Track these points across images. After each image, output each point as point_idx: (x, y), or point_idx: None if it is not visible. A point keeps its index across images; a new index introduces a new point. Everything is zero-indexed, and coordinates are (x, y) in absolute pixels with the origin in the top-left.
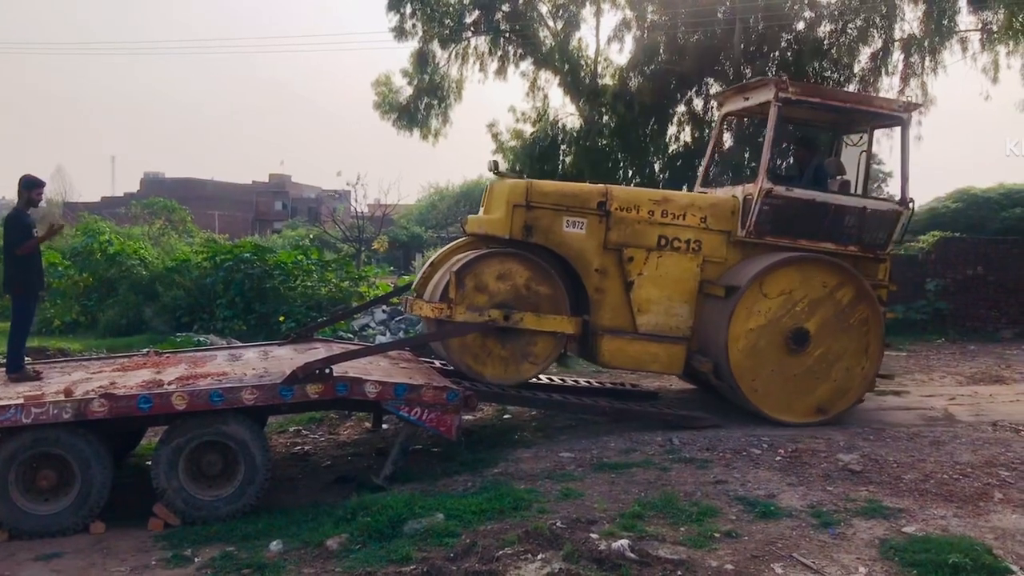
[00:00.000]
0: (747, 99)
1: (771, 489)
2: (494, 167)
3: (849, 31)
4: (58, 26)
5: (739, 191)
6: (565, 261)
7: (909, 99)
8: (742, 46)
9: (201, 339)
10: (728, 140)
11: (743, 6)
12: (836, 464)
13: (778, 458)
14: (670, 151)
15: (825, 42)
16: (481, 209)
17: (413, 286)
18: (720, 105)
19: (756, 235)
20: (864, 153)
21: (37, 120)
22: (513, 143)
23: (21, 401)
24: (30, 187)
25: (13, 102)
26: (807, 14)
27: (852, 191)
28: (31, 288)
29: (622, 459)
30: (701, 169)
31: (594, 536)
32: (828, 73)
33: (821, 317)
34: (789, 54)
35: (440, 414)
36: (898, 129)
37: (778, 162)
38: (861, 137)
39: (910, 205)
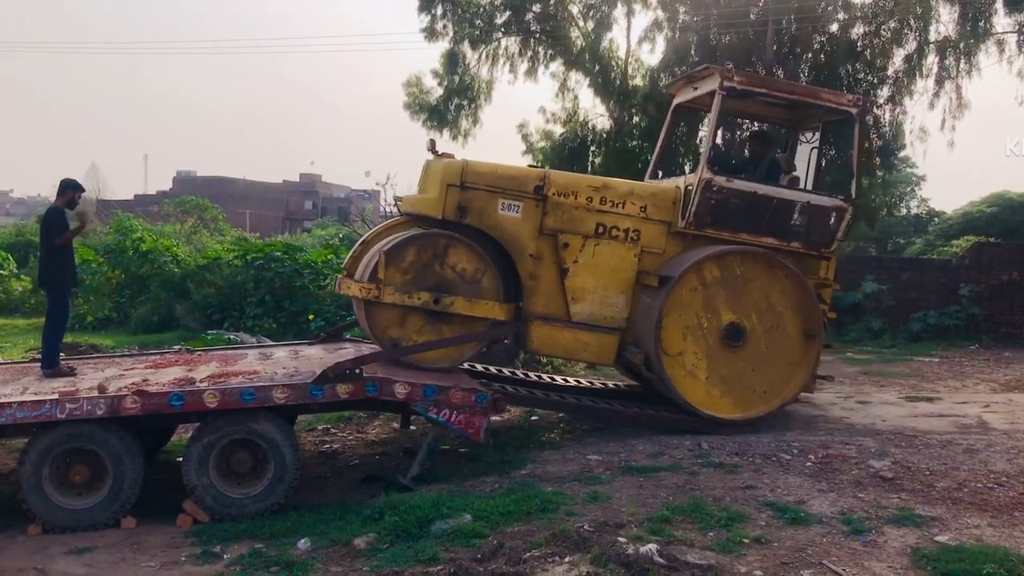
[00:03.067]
0: (696, 89)
1: (801, 495)
2: (431, 145)
3: (883, 33)
4: (94, 26)
5: (682, 181)
6: (500, 245)
7: (858, 96)
8: (774, 48)
9: (231, 337)
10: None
11: (776, 7)
12: (867, 470)
13: (808, 464)
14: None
15: (858, 44)
16: (416, 189)
17: (344, 264)
18: (672, 96)
19: (696, 226)
20: (815, 150)
21: (73, 119)
22: (543, 144)
23: (56, 396)
24: (73, 189)
25: (50, 100)
26: (840, 15)
27: (802, 188)
28: (65, 284)
29: (650, 463)
30: (652, 161)
31: (622, 540)
32: (861, 75)
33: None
34: (822, 56)
35: (468, 416)
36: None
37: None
38: (814, 134)
39: (855, 202)
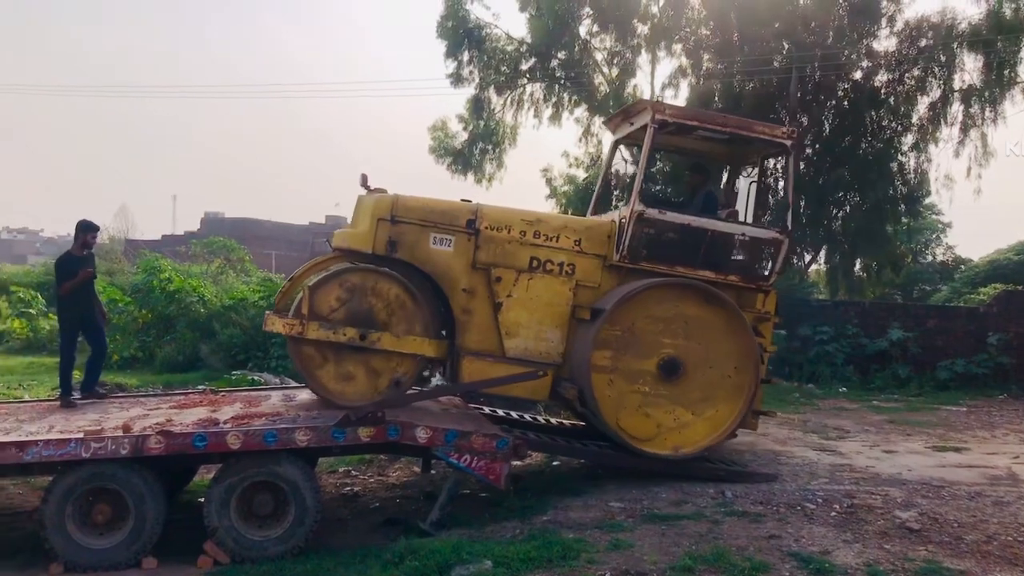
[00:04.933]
0: (632, 124)
1: (826, 545)
2: (363, 180)
3: (907, 80)
4: (123, 69)
5: (616, 215)
6: (432, 280)
7: (792, 128)
8: (798, 95)
9: (256, 378)
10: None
11: (800, 55)
12: (893, 521)
13: (833, 514)
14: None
15: (882, 91)
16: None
17: (274, 300)
18: (612, 132)
19: (631, 260)
20: (754, 184)
21: (103, 160)
22: (566, 188)
23: (81, 435)
24: (85, 231)
25: (81, 141)
26: (864, 63)
27: (740, 221)
28: (73, 324)
29: (673, 510)
30: (593, 198)
31: None
32: (885, 122)
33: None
34: (846, 103)
35: (489, 462)
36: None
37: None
38: (754, 167)
39: (791, 234)
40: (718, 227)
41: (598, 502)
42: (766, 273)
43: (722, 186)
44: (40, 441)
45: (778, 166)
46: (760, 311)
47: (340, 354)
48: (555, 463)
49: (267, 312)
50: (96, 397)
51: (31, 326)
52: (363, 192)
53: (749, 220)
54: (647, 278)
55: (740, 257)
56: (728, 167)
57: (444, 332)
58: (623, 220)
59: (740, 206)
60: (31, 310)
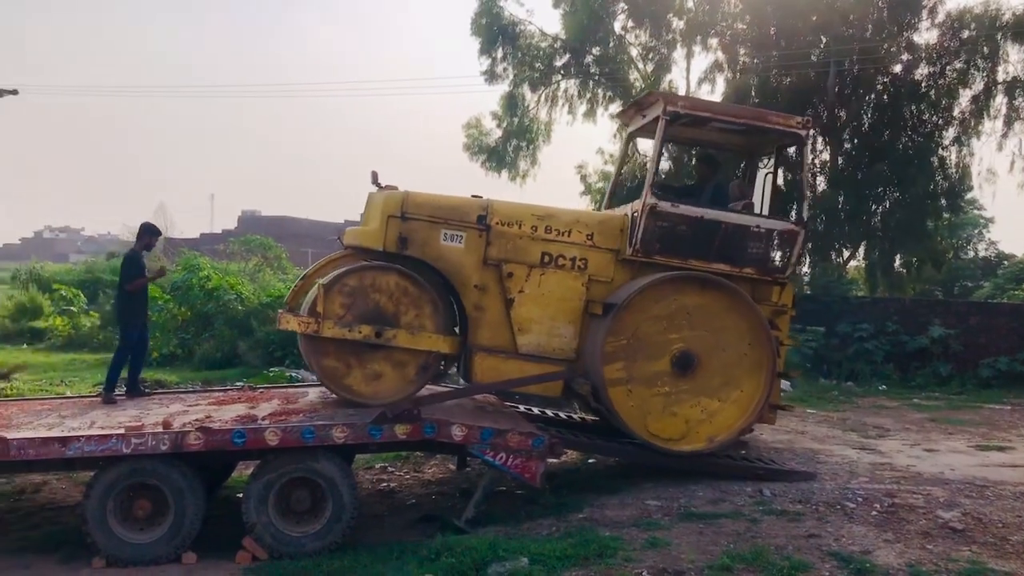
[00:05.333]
0: (644, 116)
1: (866, 545)
2: (374, 178)
3: (948, 73)
4: (163, 69)
5: (629, 208)
6: (444, 276)
7: (807, 118)
8: (836, 89)
9: (293, 375)
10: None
11: (838, 49)
12: (936, 521)
13: (874, 513)
14: (781, 198)
15: (923, 85)
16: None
17: (286, 299)
18: (625, 125)
19: (643, 253)
20: (770, 175)
21: (143, 159)
22: (600, 184)
23: (122, 431)
24: (150, 234)
25: (121, 141)
26: (904, 56)
27: (756, 213)
28: (132, 323)
29: (710, 509)
30: (607, 191)
31: None
32: (926, 116)
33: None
34: (885, 97)
35: (525, 460)
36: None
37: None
38: (770, 158)
39: (806, 225)
40: (732, 219)
41: (634, 500)
42: (782, 265)
43: (731, 183)
44: (82, 437)
45: (815, 160)
46: (776, 304)
47: (362, 356)
48: (590, 461)
49: (280, 311)
50: (140, 395)
51: (73, 323)
52: (374, 189)
53: (765, 212)
54: (660, 271)
55: (755, 249)
56: (745, 158)
57: (457, 329)
58: (635, 214)
59: (757, 198)
60: (73, 308)
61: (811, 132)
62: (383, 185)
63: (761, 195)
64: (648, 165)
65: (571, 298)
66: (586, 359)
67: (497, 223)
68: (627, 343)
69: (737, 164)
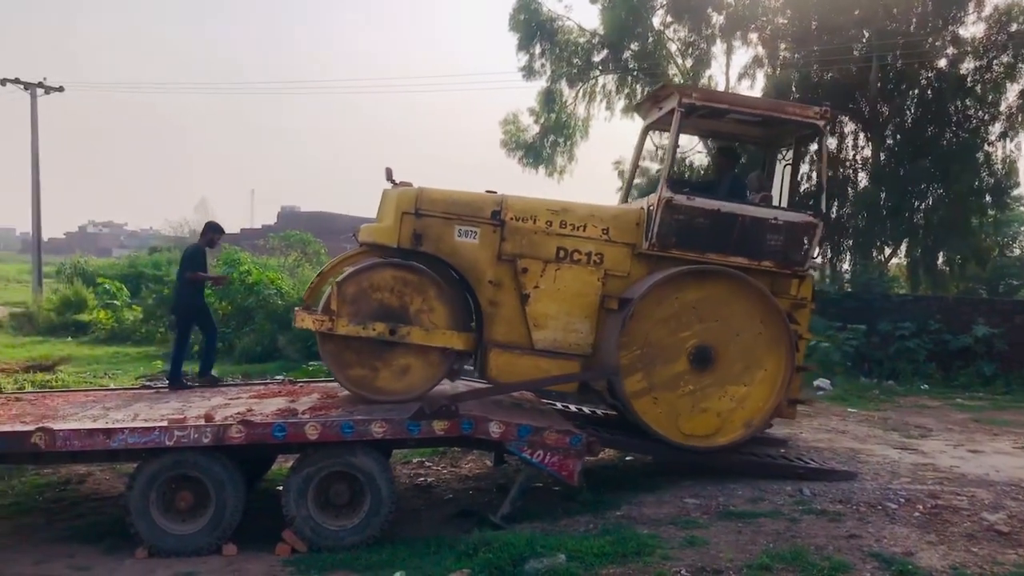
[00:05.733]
0: (660, 109)
1: (908, 547)
2: (388, 175)
3: (995, 67)
4: (205, 66)
5: (645, 202)
6: (458, 272)
7: (825, 108)
8: (879, 84)
9: None
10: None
11: (881, 43)
12: (980, 523)
13: (916, 514)
14: (801, 190)
15: (969, 79)
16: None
17: (303, 297)
18: (642, 118)
19: (660, 247)
20: (789, 166)
21: (184, 155)
22: (639, 180)
23: (165, 424)
24: (213, 231)
25: (163, 137)
26: (950, 51)
27: (775, 206)
28: (191, 312)
29: (749, 508)
30: (624, 185)
31: None
32: (971, 111)
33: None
34: (929, 92)
35: (562, 458)
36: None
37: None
38: (788, 150)
39: (825, 217)
40: (749, 212)
41: (673, 498)
42: (800, 258)
43: (750, 174)
44: (126, 429)
45: (856, 156)
46: (795, 297)
47: (383, 354)
48: (628, 458)
49: (296, 309)
50: (210, 383)
51: (116, 317)
52: (388, 186)
53: (785, 204)
54: (677, 266)
55: (773, 242)
56: (764, 150)
57: (473, 325)
58: (651, 207)
59: (776, 190)
60: (116, 301)
61: (828, 123)
62: (397, 182)
63: (780, 187)
64: (663, 158)
65: (587, 293)
66: (602, 355)
67: (511, 218)
68: (641, 352)
69: (762, 156)
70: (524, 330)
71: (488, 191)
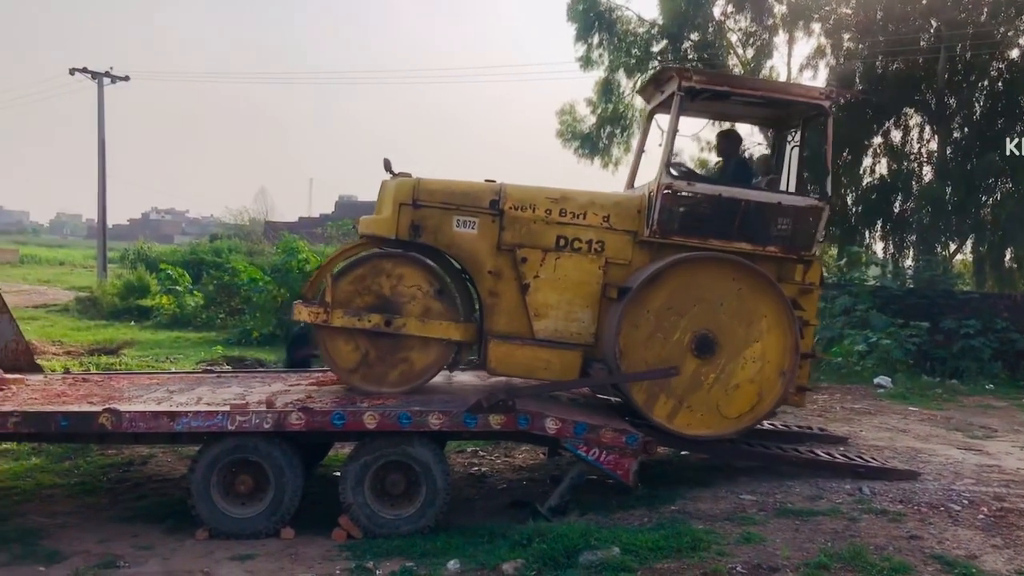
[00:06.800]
0: (662, 92)
1: (972, 550)
2: (387, 165)
3: None
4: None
5: (646, 188)
6: (458, 263)
7: (830, 88)
8: (946, 76)
9: None
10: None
11: (949, 34)
12: None
13: (980, 516)
14: (864, 184)
15: None
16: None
17: (302, 290)
18: (647, 102)
19: (661, 234)
20: (796, 148)
21: (245, 144)
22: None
23: (227, 409)
24: None
25: (224, 127)
26: (1021, 41)
27: (781, 189)
28: None
29: (807, 506)
30: (628, 172)
31: None
32: None
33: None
34: (999, 83)
35: (618, 457)
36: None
37: None
38: (795, 133)
39: (831, 200)
40: (752, 196)
41: (729, 494)
42: (806, 243)
43: (756, 156)
44: (190, 412)
45: (922, 150)
46: (801, 282)
47: (380, 346)
48: (683, 452)
49: (295, 302)
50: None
51: (178, 302)
52: (387, 176)
53: (792, 187)
54: (680, 252)
55: (779, 227)
56: (772, 132)
57: (475, 315)
58: (651, 194)
59: (784, 173)
60: (178, 287)
61: (834, 103)
62: (396, 172)
63: (787, 170)
64: (663, 142)
65: (588, 282)
66: (604, 344)
67: (510, 207)
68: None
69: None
70: (525, 320)
71: (487, 180)
